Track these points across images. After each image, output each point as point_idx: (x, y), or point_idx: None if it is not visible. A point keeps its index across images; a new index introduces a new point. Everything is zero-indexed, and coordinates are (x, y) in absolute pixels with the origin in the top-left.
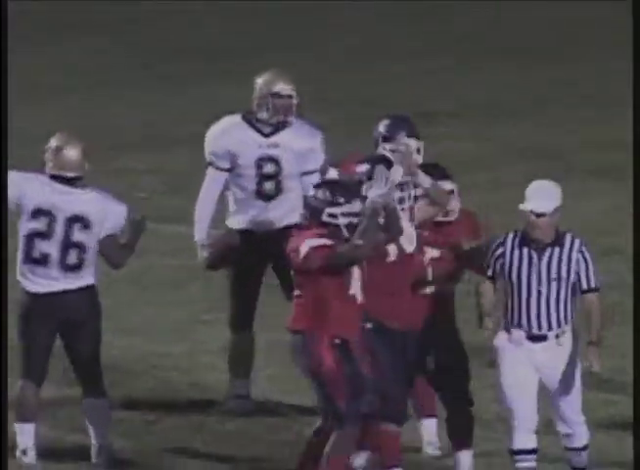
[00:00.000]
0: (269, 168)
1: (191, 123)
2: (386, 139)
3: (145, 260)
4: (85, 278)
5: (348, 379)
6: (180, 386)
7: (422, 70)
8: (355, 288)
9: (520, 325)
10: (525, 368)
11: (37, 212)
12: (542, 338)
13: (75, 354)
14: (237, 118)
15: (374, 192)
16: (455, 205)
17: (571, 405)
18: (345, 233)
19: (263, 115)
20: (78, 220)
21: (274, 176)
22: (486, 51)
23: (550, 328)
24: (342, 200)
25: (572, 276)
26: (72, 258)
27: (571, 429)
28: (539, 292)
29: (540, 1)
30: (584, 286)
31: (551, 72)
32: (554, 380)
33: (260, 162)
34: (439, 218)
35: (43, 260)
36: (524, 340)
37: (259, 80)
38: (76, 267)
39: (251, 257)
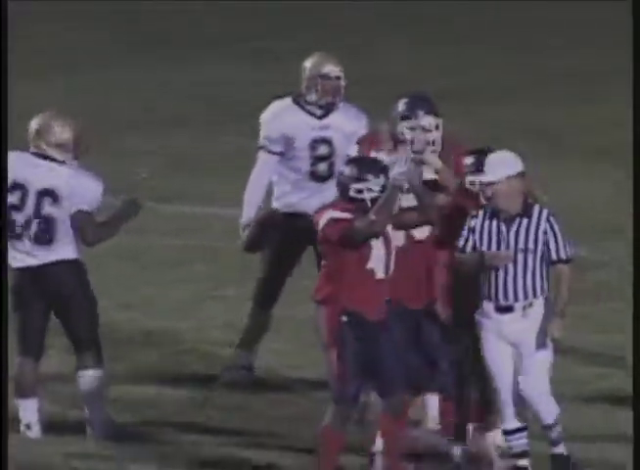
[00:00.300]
0: (323, 150)
1: (192, 105)
2: (404, 118)
3: (145, 240)
4: (59, 252)
5: (353, 357)
6: (183, 360)
7: (419, 57)
8: (375, 262)
9: (489, 297)
10: (503, 344)
11: (14, 187)
12: (509, 309)
13: (67, 328)
14: (287, 102)
15: (395, 170)
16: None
17: (534, 380)
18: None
19: (312, 97)
20: (48, 194)
21: (328, 157)
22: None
23: (516, 299)
24: (368, 176)
25: (541, 247)
26: (43, 231)
27: (533, 405)
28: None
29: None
30: (553, 257)
31: (551, 56)
32: (519, 353)
33: (314, 143)
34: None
35: (19, 234)
36: (492, 312)
37: (308, 63)
38: (48, 241)
39: (294, 239)
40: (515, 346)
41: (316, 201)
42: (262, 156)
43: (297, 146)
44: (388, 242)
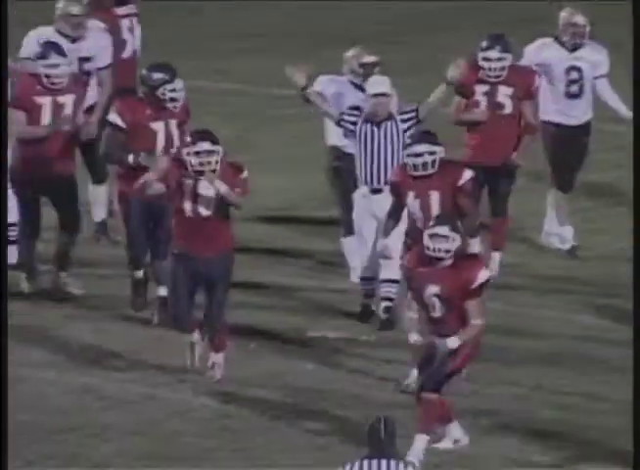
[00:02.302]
0: (574, 75)
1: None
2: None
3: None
4: None
5: None
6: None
7: None
8: None
9: (365, 181)
10: (371, 217)
11: None
12: (379, 191)
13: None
14: (549, 40)
15: None
16: None
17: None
18: None
19: (566, 38)
20: None
21: (578, 81)
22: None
23: (385, 183)
24: None
25: (403, 140)
26: None
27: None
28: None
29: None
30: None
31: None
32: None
33: (569, 70)
34: None
35: None
36: (367, 193)
37: (563, 13)
38: None
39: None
40: (379, 219)
41: (571, 114)
42: None
43: (554, 70)
44: None
